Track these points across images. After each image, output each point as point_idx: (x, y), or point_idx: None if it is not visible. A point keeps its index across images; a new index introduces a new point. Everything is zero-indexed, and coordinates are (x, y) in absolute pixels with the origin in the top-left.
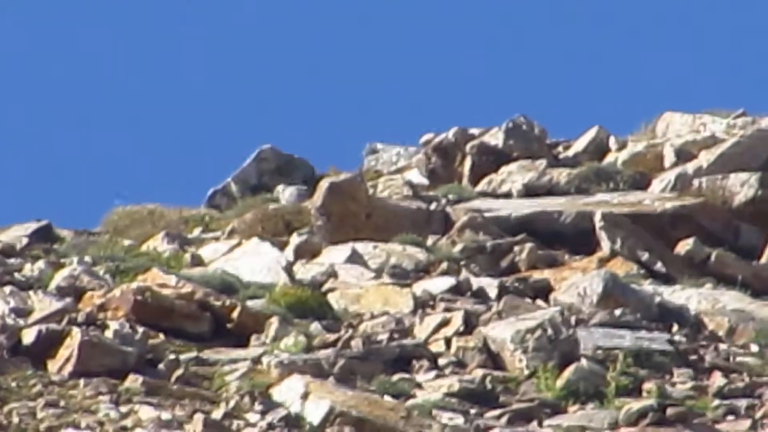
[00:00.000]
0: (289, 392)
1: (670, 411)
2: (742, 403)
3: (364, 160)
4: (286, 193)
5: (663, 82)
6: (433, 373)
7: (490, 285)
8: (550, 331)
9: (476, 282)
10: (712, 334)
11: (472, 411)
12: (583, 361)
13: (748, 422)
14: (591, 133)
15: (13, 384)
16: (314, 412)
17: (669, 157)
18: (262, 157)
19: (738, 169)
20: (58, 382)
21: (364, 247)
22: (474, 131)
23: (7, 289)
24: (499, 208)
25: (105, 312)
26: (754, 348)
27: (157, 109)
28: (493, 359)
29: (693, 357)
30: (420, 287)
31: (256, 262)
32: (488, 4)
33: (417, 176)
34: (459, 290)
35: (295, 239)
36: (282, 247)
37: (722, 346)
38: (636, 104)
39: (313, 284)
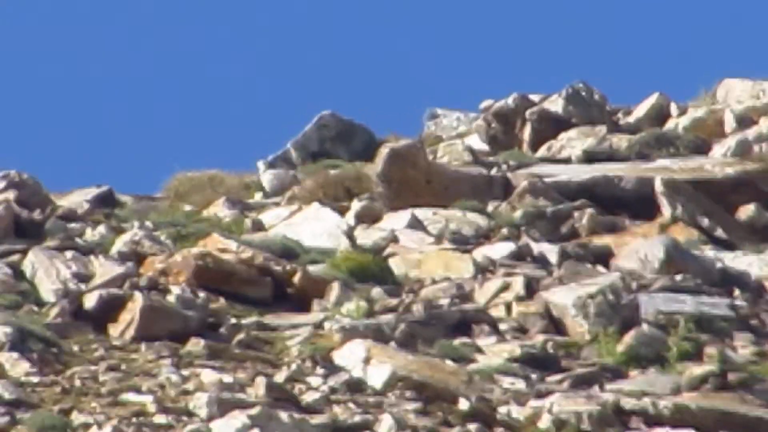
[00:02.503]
0: (350, 356)
1: (731, 376)
2: None
3: (424, 125)
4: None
5: (723, 47)
6: (494, 338)
7: (551, 250)
8: (611, 297)
9: (536, 247)
10: None
11: (533, 376)
12: (644, 326)
13: None
14: (651, 99)
15: (75, 348)
16: (376, 376)
17: (729, 123)
18: (323, 123)
19: None
20: (120, 346)
21: (423, 213)
22: (534, 97)
23: (69, 254)
24: (560, 173)
25: (166, 277)
26: None
27: (219, 75)
28: (554, 324)
29: (754, 322)
30: (480, 253)
31: (317, 228)
32: None
33: (477, 142)
34: (519, 256)
35: (355, 205)
36: (343, 212)
37: None
38: (696, 70)
39: (374, 249)
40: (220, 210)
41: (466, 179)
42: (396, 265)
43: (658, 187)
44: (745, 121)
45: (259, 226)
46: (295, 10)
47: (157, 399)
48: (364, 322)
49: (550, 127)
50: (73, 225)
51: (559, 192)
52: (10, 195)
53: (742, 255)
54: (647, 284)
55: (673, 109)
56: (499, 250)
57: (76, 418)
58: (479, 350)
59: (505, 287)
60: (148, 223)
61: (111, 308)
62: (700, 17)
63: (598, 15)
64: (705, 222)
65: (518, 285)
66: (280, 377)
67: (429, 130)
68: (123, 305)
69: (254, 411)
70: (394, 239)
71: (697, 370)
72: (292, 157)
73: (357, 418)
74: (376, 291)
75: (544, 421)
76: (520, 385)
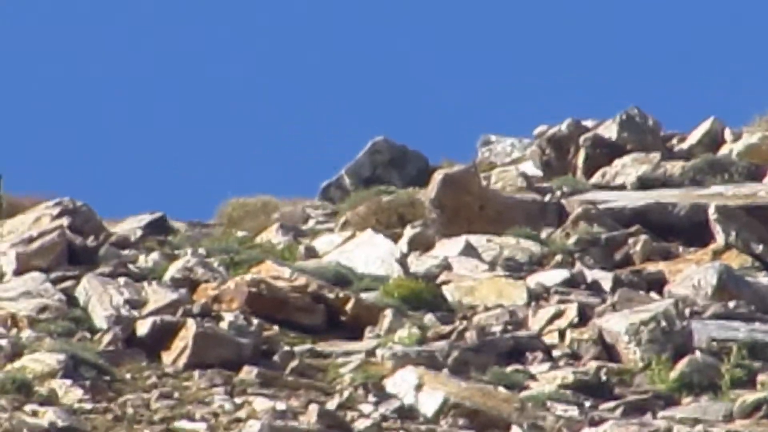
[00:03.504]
0: (402, 384)
1: None
2: None
3: (478, 151)
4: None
5: None
6: (547, 365)
7: (605, 277)
8: (664, 323)
9: (590, 274)
10: None
11: (587, 403)
12: (698, 353)
13: None
14: (706, 125)
15: (128, 375)
16: (428, 404)
17: None
18: (376, 149)
19: None
20: (173, 373)
21: (477, 240)
22: (588, 123)
23: (122, 280)
24: (614, 200)
25: (219, 304)
26: None
27: (273, 101)
28: (607, 351)
29: None
30: (534, 280)
31: (370, 254)
32: None
33: (531, 168)
34: (573, 283)
35: (408, 231)
36: (396, 239)
37: None
38: (751, 96)
39: (427, 276)
40: (274, 236)
41: (519, 205)
42: (449, 292)
43: (712, 213)
44: None
45: (312, 253)
46: (350, 34)
47: (209, 427)
48: (416, 349)
49: (604, 153)
50: (126, 252)
51: (613, 218)
52: (64, 222)
53: None
54: (700, 311)
55: (728, 134)
56: (552, 277)
57: None
58: (532, 377)
59: (559, 314)
60: (201, 250)
61: (164, 335)
62: (755, 43)
63: (652, 41)
64: (759, 248)
65: (572, 312)
66: (332, 404)
67: (482, 156)
68: (176, 332)
69: None
70: (448, 266)
71: (749, 397)
72: (345, 183)
73: None
74: (429, 318)
75: None
76: (573, 412)
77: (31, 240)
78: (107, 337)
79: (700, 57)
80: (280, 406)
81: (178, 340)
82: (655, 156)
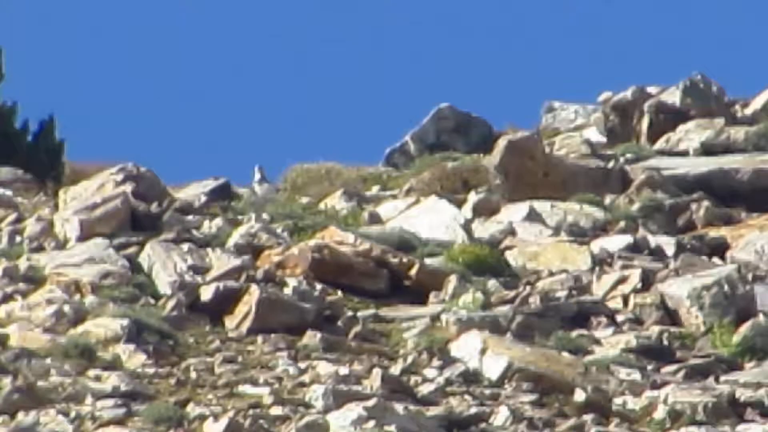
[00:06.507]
0: (467, 348)
1: None
2: None
3: (542, 118)
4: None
5: None
6: (610, 330)
7: (667, 243)
8: (726, 288)
9: (653, 240)
10: None
11: (649, 367)
12: (760, 317)
13: None
14: None
15: (191, 340)
16: (492, 368)
17: None
18: (441, 116)
19: None
20: (236, 338)
21: (541, 206)
22: (652, 90)
23: (185, 246)
24: (677, 166)
25: (283, 269)
26: None
27: (338, 69)
28: (669, 316)
29: None
30: (597, 245)
31: (434, 220)
32: None
33: (595, 134)
34: (636, 248)
35: (472, 197)
36: (460, 205)
37: None
38: None
39: (491, 242)
40: (337, 202)
41: (583, 172)
42: (513, 258)
43: None
44: None
45: (376, 219)
46: (419, 4)
47: (273, 391)
48: (480, 314)
49: (668, 119)
50: (189, 218)
51: (676, 185)
52: (128, 188)
53: None
54: (763, 276)
55: None
56: (616, 242)
57: (192, 410)
58: (596, 341)
59: (623, 280)
60: (264, 216)
61: (227, 301)
62: None
63: (716, 6)
64: None
65: (635, 277)
66: (395, 369)
67: (546, 123)
68: (239, 298)
69: (370, 403)
70: (512, 231)
71: None
72: (410, 150)
73: (473, 410)
74: (493, 283)
75: (660, 412)
76: (636, 376)
77: (94, 206)
78: (171, 303)
79: (764, 22)
80: (344, 370)
81: (241, 305)
82: (719, 122)
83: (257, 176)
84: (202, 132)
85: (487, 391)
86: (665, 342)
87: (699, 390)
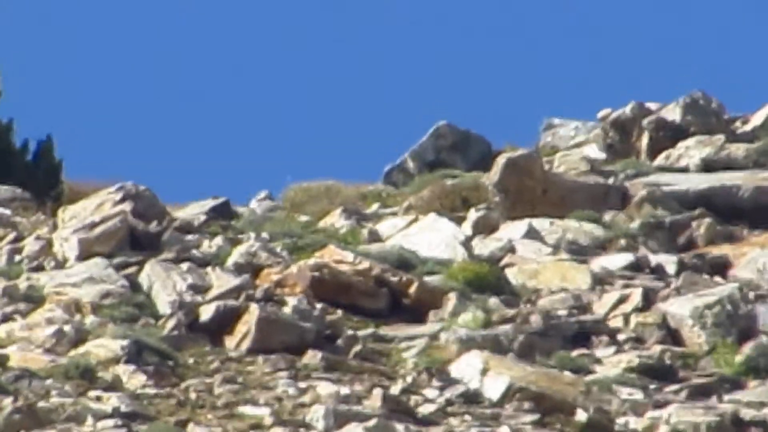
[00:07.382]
0: (467, 368)
1: None
2: None
3: (541, 135)
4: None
5: None
6: (612, 349)
7: (669, 261)
8: (728, 307)
9: (654, 259)
10: None
11: (651, 386)
12: (763, 337)
13: None
14: None
15: (191, 360)
16: (493, 388)
17: None
18: (439, 134)
19: None
20: (236, 358)
21: (540, 223)
22: (651, 106)
23: (185, 265)
24: (677, 182)
25: (282, 288)
26: None
27: (337, 87)
28: (671, 335)
29: None
30: (597, 263)
31: (434, 238)
32: None
33: (594, 151)
34: (637, 267)
35: (472, 215)
36: (459, 222)
37: None
38: None
39: (491, 259)
40: (337, 220)
41: (582, 189)
42: (513, 276)
43: None
44: None
45: (375, 237)
46: (415, 19)
47: (273, 412)
48: (481, 333)
49: (668, 136)
50: (189, 237)
51: (677, 201)
52: (127, 207)
53: None
54: (765, 295)
55: None
56: (615, 260)
57: (192, 430)
58: (597, 361)
59: (624, 299)
60: (264, 235)
61: (227, 320)
62: None
63: (715, 23)
64: None
65: (637, 296)
66: (396, 389)
67: (545, 140)
68: (239, 317)
69: (371, 423)
70: (511, 249)
71: None
72: (409, 167)
73: (473, 430)
74: (493, 301)
75: None
76: (638, 395)
77: (93, 226)
78: (171, 323)
79: (764, 39)
80: (344, 390)
81: (241, 324)
82: (719, 138)
83: (260, 195)
84: (200, 151)
85: (488, 411)
86: (667, 361)
87: (702, 409)
